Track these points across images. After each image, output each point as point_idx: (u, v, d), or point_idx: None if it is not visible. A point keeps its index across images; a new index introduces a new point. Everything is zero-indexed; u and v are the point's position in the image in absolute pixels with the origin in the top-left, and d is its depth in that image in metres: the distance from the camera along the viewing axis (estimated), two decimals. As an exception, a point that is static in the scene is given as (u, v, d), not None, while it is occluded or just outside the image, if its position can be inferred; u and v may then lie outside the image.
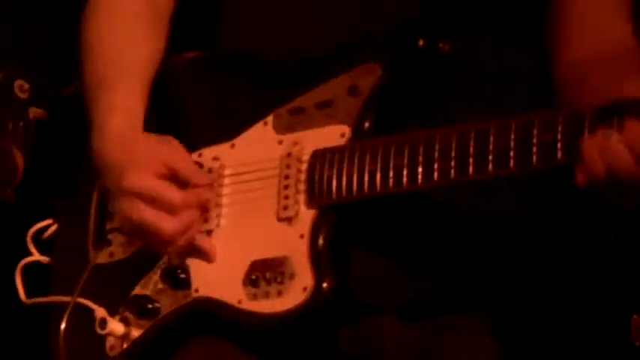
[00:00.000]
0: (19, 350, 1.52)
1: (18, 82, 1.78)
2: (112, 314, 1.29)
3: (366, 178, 1.18)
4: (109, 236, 1.38)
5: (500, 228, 1.28)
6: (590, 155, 1.04)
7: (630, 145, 1.03)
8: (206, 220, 1.27)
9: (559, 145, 1.06)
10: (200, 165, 1.33)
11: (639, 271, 1.73)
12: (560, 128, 1.07)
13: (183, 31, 1.45)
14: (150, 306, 1.28)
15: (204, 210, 1.27)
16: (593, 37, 1.31)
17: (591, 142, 1.04)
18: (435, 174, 1.12)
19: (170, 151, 1.29)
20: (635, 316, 1.63)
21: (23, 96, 1.75)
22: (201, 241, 1.25)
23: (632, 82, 1.20)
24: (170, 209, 1.24)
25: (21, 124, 1.67)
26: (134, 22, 1.43)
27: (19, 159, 1.62)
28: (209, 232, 1.27)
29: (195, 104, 1.38)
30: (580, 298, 1.62)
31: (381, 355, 1.24)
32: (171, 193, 1.25)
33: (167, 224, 1.23)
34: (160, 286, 1.30)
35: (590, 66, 1.28)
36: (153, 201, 1.24)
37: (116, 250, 1.37)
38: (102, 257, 1.37)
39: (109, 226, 1.38)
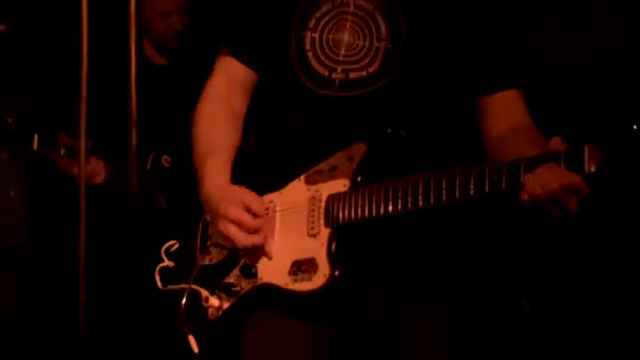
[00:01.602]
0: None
1: (165, 157, 2.46)
2: (211, 294, 1.87)
3: (359, 209, 1.74)
4: (209, 249, 1.95)
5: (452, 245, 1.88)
6: (533, 183, 1.52)
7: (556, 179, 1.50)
8: (268, 238, 1.83)
9: (487, 181, 1.59)
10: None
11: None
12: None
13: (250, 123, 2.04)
14: (234, 289, 1.86)
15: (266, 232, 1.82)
16: (501, 124, 1.84)
17: (533, 176, 1.53)
18: (400, 207, 1.69)
19: (246, 193, 1.83)
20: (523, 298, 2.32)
21: (168, 165, 2.43)
22: (266, 249, 1.82)
23: (529, 150, 1.65)
24: (247, 229, 1.78)
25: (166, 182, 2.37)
26: (221, 122, 1.97)
27: (164, 202, 2.33)
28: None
29: (258, 168, 1.94)
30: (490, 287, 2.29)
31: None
32: (247, 219, 1.78)
33: (243, 240, 1.79)
34: (240, 276, 1.86)
35: (504, 142, 1.81)
36: (236, 223, 1.78)
37: (213, 257, 1.93)
38: (205, 261, 1.94)
39: (208, 242, 1.95)
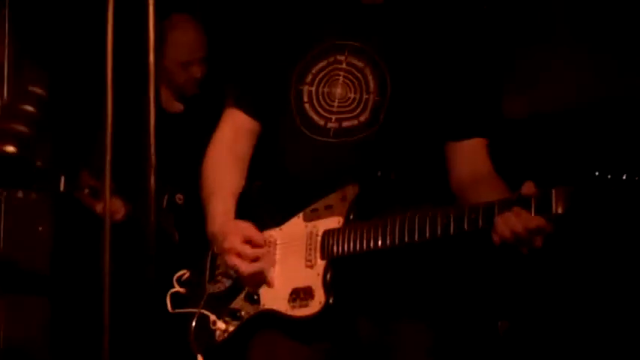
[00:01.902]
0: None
1: (178, 195, 2.67)
2: (218, 318, 2.08)
3: (351, 244, 1.93)
4: (217, 277, 2.14)
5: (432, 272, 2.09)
6: (502, 227, 1.73)
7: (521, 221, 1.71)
8: (269, 268, 2.04)
9: (466, 220, 1.78)
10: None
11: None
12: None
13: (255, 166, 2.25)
14: (239, 314, 2.06)
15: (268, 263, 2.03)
16: (466, 169, 2.06)
17: (502, 220, 1.73)
18: (388, 242, 1.89)
19: (247, 227, 2.03)
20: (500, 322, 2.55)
21: (181, 203, 2.65)
22: (267, 278, 2.03)
23: (493, 194, 1.87)
24: (248, 259, 1.99)
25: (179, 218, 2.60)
26: (225, 166, 2.19)
27: (177, 236, 2.55)
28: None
29: (261, 208, 2.13)
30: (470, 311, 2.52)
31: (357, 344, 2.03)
32: (247, 250, 1.99)
33: (245, 268, 1.99)
34: (244, 302, 2.07)
35: (468, 185, 2.04)
36: (238, 254, 1.99)
37: (221, 285, 2.13)
38: (213, 288, 2.14)
39: (216, 272, 2.15)
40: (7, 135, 0.83)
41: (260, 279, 2.05)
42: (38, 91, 0.87)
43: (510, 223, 1.73)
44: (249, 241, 2.03)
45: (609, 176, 1.70)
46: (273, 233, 2.10)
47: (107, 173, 1.73)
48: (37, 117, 0.88)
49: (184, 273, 2.21)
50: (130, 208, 3.02)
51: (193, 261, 2.24)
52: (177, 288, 2.19)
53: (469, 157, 2.09)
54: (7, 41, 2.97)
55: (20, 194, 2.90)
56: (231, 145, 2.23)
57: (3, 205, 3.15)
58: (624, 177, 1.70)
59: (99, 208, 2.96)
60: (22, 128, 0.85)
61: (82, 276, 3.24)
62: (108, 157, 1.69)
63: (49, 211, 3.27)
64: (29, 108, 0.87)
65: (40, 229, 3.23)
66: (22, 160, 0.87)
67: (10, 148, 0.84)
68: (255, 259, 2.02)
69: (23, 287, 3.30)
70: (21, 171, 0.99)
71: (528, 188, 1.77)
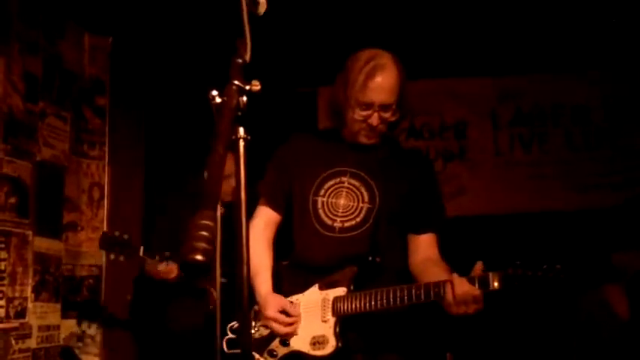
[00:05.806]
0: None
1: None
2: (261, 356, 2.93)
3: (353, 306, 2.81)
4: (259, 328, 2.98)
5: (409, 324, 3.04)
6: (449, 296, 2.68)
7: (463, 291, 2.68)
8: (296, 322, 2.89)
9: (432, 292, 2.74)
10: (291, 302, 2.90)
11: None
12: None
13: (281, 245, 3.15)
14: (274, 353, 2.93)
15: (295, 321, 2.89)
16: (422, 254, 2.96)
17: (450, 290, 2.68)
18: (378, 305, 2.76)
19: (282, 301, 2.90)
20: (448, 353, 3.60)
21: (225, 281, 3.50)
22: (296, 330, 2.90)
23: (442, 275, 2.78)
24: (283, 324, 2.84)
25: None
26: (262, 249, 3.01)
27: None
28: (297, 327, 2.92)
29: (291, 280, 2.99)
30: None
31: None
32: (283, 318, 2.85)
33: (281, 330, 2.85)
34: (279, 345, 2.92)
35: (424, 266, 2.94)
36: (276, 320, 2.87)
37: (261, 333, 2.97)
38: (256, 335, 2.97)
39: (258, 324, 2.98)
40: (197, 249, 1.50)
41: (290, 333, 2.94)
42: (209, 223, 1.50)
43: (460, 290, 2.66)
44: (283, 311, 2.87)
45: (524, 263, 2.65)
46: (299, 297, 2.99)
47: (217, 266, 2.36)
48: (210, 238, 1.48)
49: (234, 324, 3.04)
50: (180, 272, 4.03)
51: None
52: (230, 335, 3.04)
53: (424, 247, 3.02)
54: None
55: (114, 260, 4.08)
56: (263, 232, 3.10)
57: (104, 285, 4.44)
58: (534, 265, 2.62)
59: (156, 272, 4.03)
60: (204, 245, 1.50)
61: (151, 318, 4.40)
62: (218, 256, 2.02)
63: (131, 286, 4.45)
64: (205, 233, 1.51)
65: (129, 297, 4.32)
66: (205, 266, 1.49)
67: (200, 257, 1.51)
68: (289, 324, 2.90)
69: (117, 325, 4.61)
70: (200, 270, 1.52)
71: (477, 267, 2.70)
